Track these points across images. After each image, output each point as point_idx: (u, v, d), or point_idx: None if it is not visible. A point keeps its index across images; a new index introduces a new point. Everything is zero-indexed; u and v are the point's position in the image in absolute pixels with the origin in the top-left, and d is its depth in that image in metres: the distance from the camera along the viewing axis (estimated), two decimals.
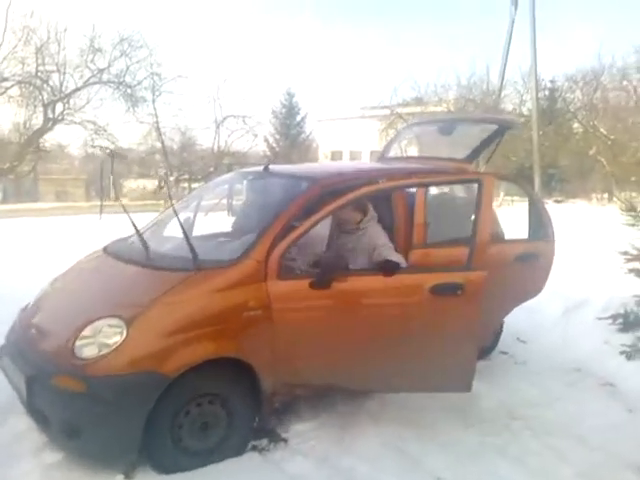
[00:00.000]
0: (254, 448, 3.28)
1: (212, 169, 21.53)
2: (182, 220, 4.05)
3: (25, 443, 3.16)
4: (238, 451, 3.18)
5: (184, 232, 3.28)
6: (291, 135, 35.16)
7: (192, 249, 3.16)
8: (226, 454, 3.11)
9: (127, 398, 2.81)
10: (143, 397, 2.82)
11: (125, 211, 3.55)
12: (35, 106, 17.35)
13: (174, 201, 4.45)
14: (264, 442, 3.34)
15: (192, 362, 2.92)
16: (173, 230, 4.12)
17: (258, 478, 2.98)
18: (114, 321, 2.92)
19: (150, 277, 3.27)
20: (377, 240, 3.68)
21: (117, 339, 2.85)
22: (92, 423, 2.82)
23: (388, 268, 3.39)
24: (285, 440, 3.39)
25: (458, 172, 4.12)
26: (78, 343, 2.89)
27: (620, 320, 5.56)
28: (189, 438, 3.02)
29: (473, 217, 3.62)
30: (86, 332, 2.92)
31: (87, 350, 2.87)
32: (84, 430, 2.82)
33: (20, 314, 3.62)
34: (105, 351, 2.84)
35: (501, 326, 4.89)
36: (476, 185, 3.69)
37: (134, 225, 3.58)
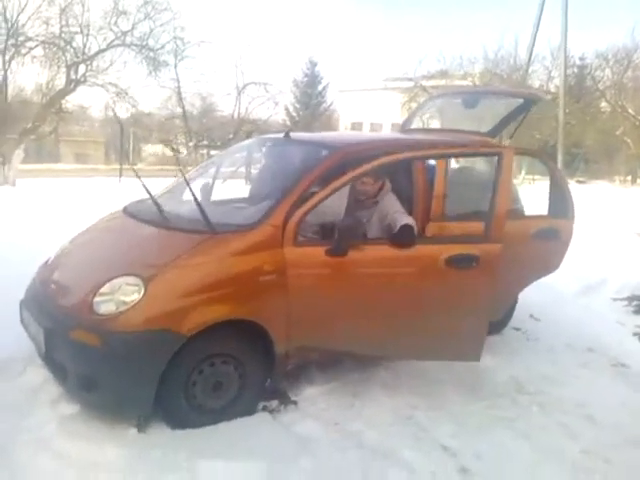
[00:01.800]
0: (265, 409, 3.34)
1: (231, 136, 21.47)
2: (201, 186, 4.11)
3: (42, 394, 3.24)
4: (249, 411, 3.24)
5: (194, 197, 3.29)
6: (312, 105, 34.88)
7: (203, 213, 3.17)
8: (237, 413, 3.18)
9: (142, 354, 2.87)
10: (158, 354, 2.88)
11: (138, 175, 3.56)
12: (58, 67, 17.30)
13: (190, 168, 4.48)
14: (275, 403, 3.40)
15: (207, 322, 2.97)
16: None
17: (268, 438, 3.04)
18: (132, 279, 2.97)
19: (169, 238, 3.30)
20: (390, 208, 3.67)
21: (135, 297, 2.90)
22: (108, 377, 2.89)
23: (404, 237, 3.37)
24: (295, 403, 3.45)
25: (478, 144, 4.07)
26: (97, 299, 2.95)
27: (635, 302, 5.56)
28: (202, 396, 3.08)
29: (492, 189, 3.58)
30: (104, 289, 2.97)
31: (105, 306, 2.93)
32: (100, 383, 2.89)
33: (40, 270, 3.69)
34: (123, 308, 2.89)
35: (515, 301, 4.88)
36: (496, 158, 3.65)
37: (148, 191, 3.60)
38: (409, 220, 3.51)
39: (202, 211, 3.17)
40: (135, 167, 22.65)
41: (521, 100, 4.42)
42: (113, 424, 2.99)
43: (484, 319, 3.61)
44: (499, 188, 3.52)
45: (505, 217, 3.55)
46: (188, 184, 3.45)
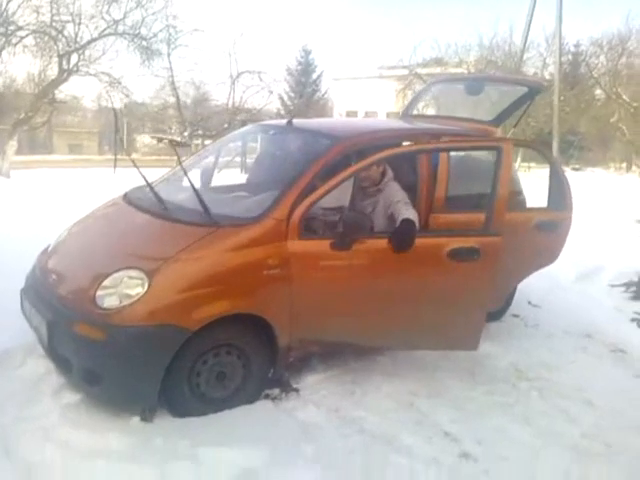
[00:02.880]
0: (267, 396, 3.36)
1: (226, 125, 21.33)
2: (200, 172, 4.08)
3: (44, 384, 3.23)
4: (251, 399, 3.25)
5: (196, 192, 3.26)
6: (306, 93, 34.70)
7: (204, 206, 3.17)
8: (240, 402, 3.19)
9: (147, 349, 2.85)
10: (163, 348, 2.87)
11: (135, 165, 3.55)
12: (50, 57, 17.14)
13: (186, 157, 4.43)
14: (276, 391, 3.41)
15: (212, 316, 2.95)
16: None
17: (271, 424, 3.05)
18: (135, 273, 2.94)
19: (172, 230, 3.25)
20: (393, 197, 3.64)
21: (139, 290, 2.87)
22: (112, 371, 2.87)
23: (403, 237, 3.31)
24: (297, 390, 3.46)
25: (479, 136, 4.03)
26: (99, 293, 2.91)
27: (633, 288, 5.59)
28: (206, 385, 3.08)
29: (492, 183, 3.53)
30: (107, 282, 2.94)
31: (108, 300, 2.90)
32: (104, 377, 2.87)
33: (39, 257, 3.64)
34: (126, 302, 2.86)
35: (514, 289, 4.90)
36: (496, 152, 3.59)
37: (147, 182, 3.58)
38: (411, 214, 3.47)
39: (204, 206, 3.16)
40: (130, 158, 22.51)
41: (526, 88, 4.36)
42: (116, 413, 2.98)
43: (483, 309, 3.63)
44: (499, 181, 3.48)
45: (505, 210, 3.52)
46: (187, 176, 3.41)
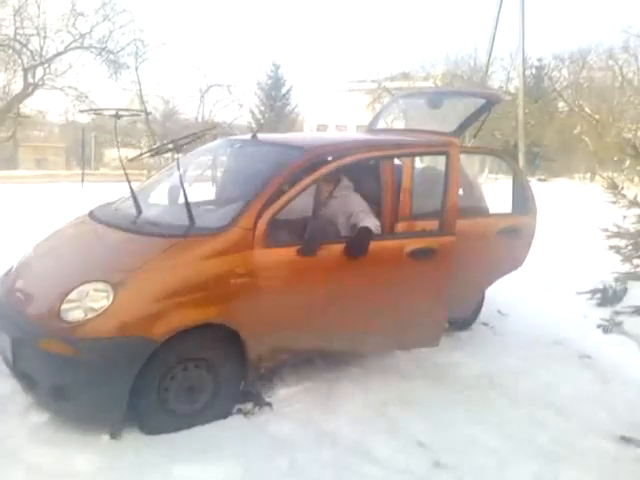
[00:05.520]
0: (239, 411, 3.33)
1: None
2: (167, 189, 4.06)
3: (11, 404, 3.17)
4: (223, 414, 3.22)
5: (185, 197, 3.28)
6: (276, 107, 34.76)
7: (190, 214, 3.19)
8: (212, 417, 3.16)
9: (114, 361, 2.82)
10: (129, 361, 2.84)
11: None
12: (14, 70, 16.96)
13: (154, 172, 4.40)
14: (249, 406, 3.39)
15: (179, 327, 2.94)
16: (157, 198, 4.11)
17: (243, 440, 3.03)
18: (100, 285, 2.91)
19: (137, 243, 3.25)
20: (354, 207, 3.76)
21: (104, 303, 2.84)
22: (79, 386, 2.83)
23: (358, 245, 3.40)
24: (270, 404, 3.44)
25: (426, 145, 4.15)
26: (64, 307, 2.88)
27: (598, 295, 5.70)
28: (175, 401, 3.05)
29: (443, 186, 3.78)
30: (72, 296, 2.91)
31: (73, 314, 2.87)
32: (71, 393, 2.84)
33: (3, 278, 3.59)
34: (91, 315, 2.84)
35: (482, 298, 4.97)
36: (445, 157, 3.84)
37: (132, 192, 3.58)
38: (370, 222, 3.58)
39: (189, 210, 3.20)
40: (98, 172, 22.21)
41: (483, 100, 4.50)
42: (85, 431, 2.93)
43: (444, 306, 3.84)
44: (449, 184, 3.75)
45: (456, 210, 3.74)
46: (183, 186, 3.42)
